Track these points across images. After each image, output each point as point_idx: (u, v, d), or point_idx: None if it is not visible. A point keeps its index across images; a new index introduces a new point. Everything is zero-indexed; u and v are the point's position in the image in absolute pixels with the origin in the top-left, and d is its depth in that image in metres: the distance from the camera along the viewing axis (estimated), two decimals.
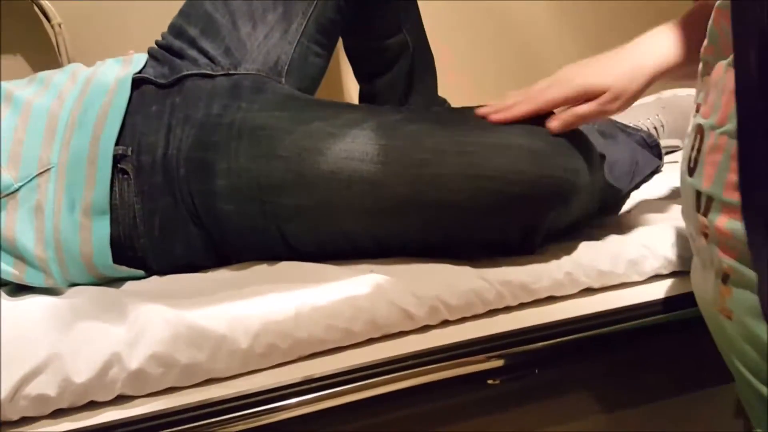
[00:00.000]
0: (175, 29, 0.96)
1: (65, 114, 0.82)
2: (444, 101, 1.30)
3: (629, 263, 0.75)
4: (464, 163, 0.70)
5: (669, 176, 0.95)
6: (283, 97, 0.83)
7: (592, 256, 0.75)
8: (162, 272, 0.83)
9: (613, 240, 0.77)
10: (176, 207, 0.80)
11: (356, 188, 0.73)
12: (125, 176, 0.81)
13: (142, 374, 0.61)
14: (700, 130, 0.59)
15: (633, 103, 0.75)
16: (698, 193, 0.58)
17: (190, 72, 0.88)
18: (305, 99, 0.84)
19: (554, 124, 0.72)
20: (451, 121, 0.74)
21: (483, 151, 0.70)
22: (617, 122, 1.06)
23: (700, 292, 0.63)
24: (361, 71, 1.26)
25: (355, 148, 0.73)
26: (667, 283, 0.75)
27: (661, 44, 0.76)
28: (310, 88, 1.02)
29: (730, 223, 0.54)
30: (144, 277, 0.82)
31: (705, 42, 0.62)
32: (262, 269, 0.79)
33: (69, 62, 1.43)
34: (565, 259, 0.74)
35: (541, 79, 0.76)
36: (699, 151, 0.59)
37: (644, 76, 0.75)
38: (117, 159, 0.81)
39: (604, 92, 0.73)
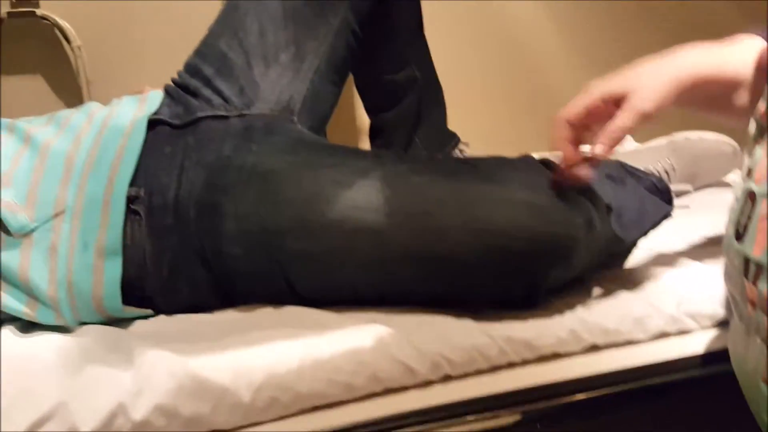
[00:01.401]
0: (190, 68, 0.98)
1: (82, 156, 0.83)
2: (454, 135, 1.32)
3: (635, 321, 0.75)
4: (467, 216, 0.71)
5: (679, 222, 0.95)
6: (293, 141, 0.84)
7: (598, 313, 0.75)
8: (169, 312, 0.84)
9: (619, 295, 0.77)
10: (184, 248, 0.81)
11: (361, 237, 0.74)
12: (137, 217, 0.82)
13: (146, 425, 0.62)
14: (752, 196, 0.59)
15: (665, 101, 0.69)
16: (747, 260, 0.58)
17: (204, 114, 0.90)
18: (315, 143, 0.85)
19: (598, 147, 0.70)
20: (456, 173, 0.75)
21: (485, 205, 0.71)
22: (627, 165, 1.06)
23: (739, 356, 0.62)
24: (370, 105, 1.28)
25: (361, 197, 0.74)
26: (674, 342, 0.75)
27: (697, 52, 0.73)
28: (321, 123, 1.03)
29: None
30: (151, 316, 0.83)
31: (763, 105, 0.61)
32: (266, 313, 0.80)
33: (87, 83, 1.45)
34: (569, 315, 0.74)
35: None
36: (750, 217, 0.58)
37: (669, 74, 0.70)
38: (130, 200, 0.82)
39: (625, 93, 0.70)
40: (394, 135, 1.27)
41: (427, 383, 0.70)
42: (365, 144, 1.27)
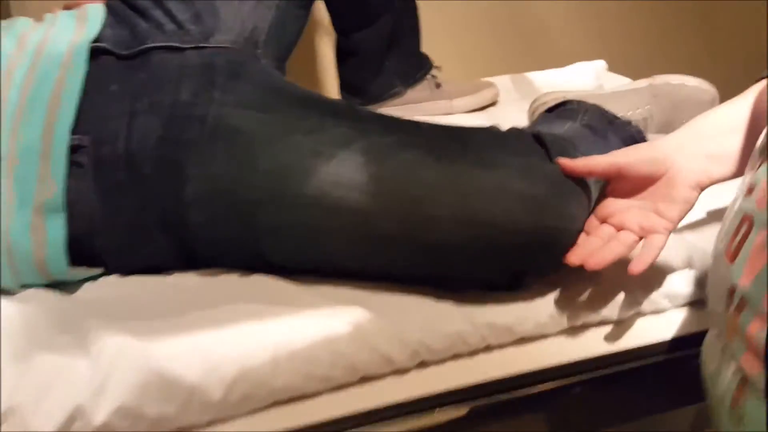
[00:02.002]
0: None
1: (14, 95, 0.72)
2: (426, 60, 1.23)
3: (619, 307, 0.73)
4: (459, 205, 0.65)
5: None
6: (262, 91, 0.75)
7: (579, 297, 0.73)
8: (122, 272, 0.77)
9: (599, 279, 0.75)
10: (141, 209, 0.73)
11: (342, 216, 0.68)
12: (82, 169, 0.73)
13: (108, 427, 0.57)
14: (749, 220, 0.55)
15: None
16: (733, 287, 0.55)
17: (156, 44, 0.78)
18: (286, 94, 0.76)
19: (636, 267, 0.66)
20: (448, 152, 0.68)
21: (480, 195, 0.65)
22: (607, 113, 1.01)
23: (711, 371, 0.60)
24: (340, 22, 1.17)
25: (343, 173, 0.67)
26: (647, 322, 0.75)
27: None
28: (287, 52, 0.93)
29: (762, 333, 0.51)
30: (102, 275, 0.76)
31: None
32: (231, 282, 0.74)
33: None
34: (551, 298, 0.72)
35: None
36: (744, 241, 0.55)
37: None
38: (73, 149, 0.73)
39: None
40: (365, 58, 1.17)
41: (403, 370, 0.67)
42: (325, 70, 1.16)
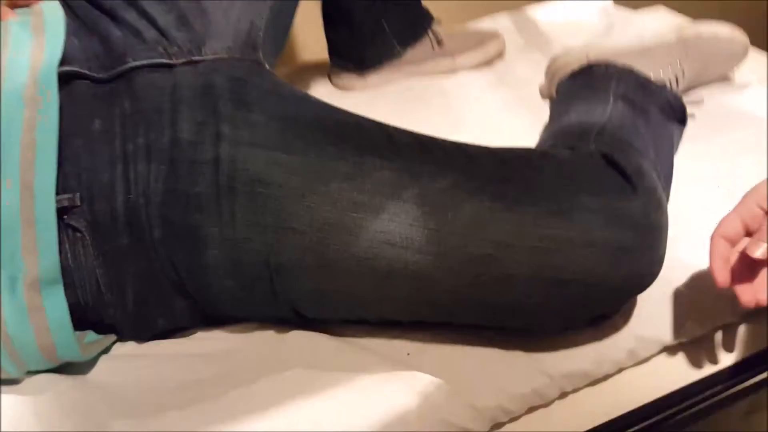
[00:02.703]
0: None
1: None
2: (426, 15, 1.10)
3: (688, 328, 0.67)
4: (537, 263, 0.56)
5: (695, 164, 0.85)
6: (279, 122, 0.63)
7: (653, 326, 0.66)
8: (137, 338, 0.68)
9: (666, 296, 0.68)
10: (154, 277, 0.63)
11: (397, 279, 0.59)
12: (78, 234, 0.62)
13: None
14: None
15: None
16: None
17: (139, 63, 0.65)
18: (308, 122, 0.64)
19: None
20: (516, 196, 0.58)
21: (560, 249, 0.56)
22: (641, 78, 0.92)
23: None
24: None
25: (396, 230, 0.57)
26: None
27: None
28: (282, 45, 0.80)
29: None
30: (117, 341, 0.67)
31: None
32: (268, 344, 0.66)
33: None
34: (625, 333, 0.65)
35: None
36: None
37: None
38: (62, 212, 0.61)
39: None
40: (358, 22, 1.03)
41: None
42: (303, 31, 0.98)
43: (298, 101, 0.67)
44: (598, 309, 0.61)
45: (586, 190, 0.59)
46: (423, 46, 1.09)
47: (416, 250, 0.57)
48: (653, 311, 0.67)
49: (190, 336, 0.68)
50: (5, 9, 0.72)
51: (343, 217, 0.58)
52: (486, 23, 1.27)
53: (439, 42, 1.10)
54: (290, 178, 0.59)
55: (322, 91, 1.13)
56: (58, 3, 0.71)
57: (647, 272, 0.59)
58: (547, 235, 0.56)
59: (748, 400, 0.70)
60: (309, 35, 0.83)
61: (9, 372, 0.62)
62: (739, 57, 1.01)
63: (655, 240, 0.59)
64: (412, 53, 1.09)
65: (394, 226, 0.57)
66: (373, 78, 1.10)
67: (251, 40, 0.70)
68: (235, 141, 0.61)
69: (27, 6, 0.73)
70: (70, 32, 0.67)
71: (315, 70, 1.17)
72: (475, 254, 0.57)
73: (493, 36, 1.15)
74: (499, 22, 1.26)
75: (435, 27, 1.09)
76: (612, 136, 0.72)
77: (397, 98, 1.09)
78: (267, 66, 0.71)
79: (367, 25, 1.04)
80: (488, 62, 1.14)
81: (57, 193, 0.60)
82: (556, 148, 0.68)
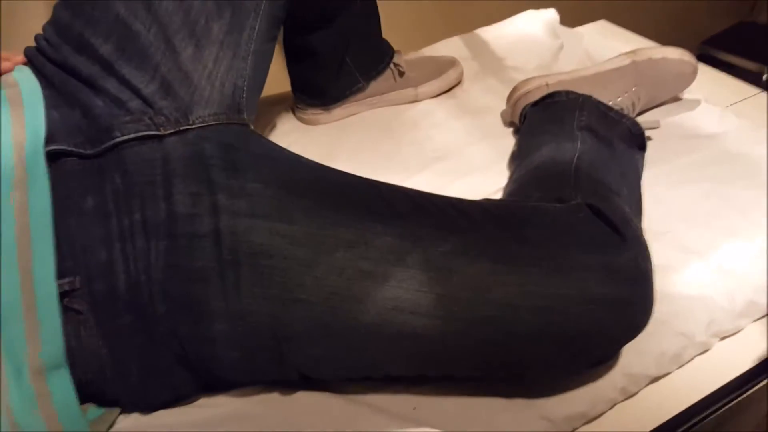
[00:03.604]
0: (71, 37, 0.69)
1: None
2: (388, 47, 1.11)
3: (672, 359, 0.71)
4: (540, 322, 0.59)
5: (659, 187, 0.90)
6: (276, 189, 0.63)
7: (639, 362, 0.70)
8: (140, 409, 0.67)
9: (650, 332, 0.72)
10: (158, 351, 0.63)
11: (405, 343, 0.60)
12: (80, 316, 0.61)
13: None
14: None
15: None
16: None
17: (125, 137, 0.64)
18: (305, 188, 0.64)
19: None
20: (516, 256, 0.61)
21: (561, 307, 0.59)
22: (601, 106, 0.96)
23: None
24: (293, 22, 1.02)
25: (404, 296, 0.59)
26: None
27: None
28: (259, 93, 0.81)
29: None
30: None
31: None
32: (275, 407, 0.66)
33: None
34: (616, 372, 0.69)
35: None
36: None
37: None
38: (62, 294, 0.60)
39: None
40: (323, 59, 1.04)
41: None
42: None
43: (291, 164, 0.67)
44: (597, 357, 0.64)
45: (580, 246, 0.62)
46: (386, 79, 1.11)
47: (424, 315, 0.59)
48: (638, 348, 0.70)
49: (194, 404, 0.68)
50: None
51: (350, 286, 0.59)
52: (440, 47, 1.29)
53: (401, 74, 1.12)
54: (295, 249, 0.60)
55: (288, 125, 1.13)
56: (31, 72, 0.69)
57: (642, 319, 0.63)
58: (549, 294, 0.59)
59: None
60: (272, 70, 0.83)
61: None
62: (689, 78, 1.06)
63: (647, 288, 0.63)
64: (375, 86, 1.11)
65: (402, 292, 0.59)
66: (338, 111, 1.11)
67: (236, 103, 0.70)
68: (234, 212, 0.61)
69: None
70: (49, 105, 0.65)
71: (279, 103, 1.17)
72: (481, 316, 0.59)
73: (451, 63, 1.17)
74: (453, 47, 1.29)
75: (396, 59, 1.11)
76: (588, 178, 0.75)
77: (363, 131, 1.10)
78: (251, 126, 0.72)
79: (331, 61, 1.05)
80: (448, 90, 1.17)
81: (57, 278, 0.59)
82: (543, 201, 0.70)
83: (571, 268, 0.60)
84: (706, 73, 1.19)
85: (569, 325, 0.59)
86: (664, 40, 1.19)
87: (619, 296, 0.60)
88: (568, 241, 0.62)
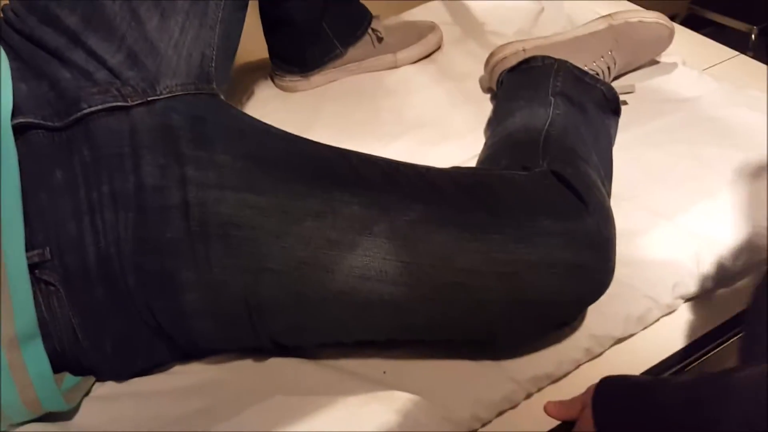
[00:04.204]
0: (37, 8, 0.69)
1: None
2: (365, 12, 1.11)
3: (638, 321, 0.73)
4: (505, 287, 0.60)
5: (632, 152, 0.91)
6: (244, 161, 0.64)
7: (604, 323, 0.72)
8: (116, 377, 0.69)
9: (619, 292, 0.73)
10: (132, 323, 0.64)
11: (373, 310, 0.62)
12: (51, 287, 0.62)
13: None
14: None
15: None
16: None
17: (93, 109, 0.64)
18: (273, 158, 0.65)
19: None
20: (481, 225, 0.62)
21: (525, 272, 0.60)
22: (576, 71, 0.96)
23: None
24: None
25: (370, 265, 0.60)
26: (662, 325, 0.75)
27: None
28: (231, 62, 0.81)
29: None
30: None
31: None
32: (248, 374, 0.68)
33: None
34: (580, 334, 0.70)
35: None
36: None
37: None
38: (33, 267, 0.61)
39: None
40: (299, 27, 1.04)
41: None
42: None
43: (261, 135, 0.68)
44: (560, 319, 0.66)
45: (544, 213, 0.63)
46: (364, 45, 1.10)
47: (391, 282, 0.60)
48: (604, 310, 0.72)
49: (169, 371, 0.69)
50: None
51: (318, 255, 0.60)
52: (420, 12, 1.28)
53: (380, 39, 1.11)
54: (263, 219, 0.61)
55: (266, 92, 1.13)
56: None
57: (603, 283, 0.64)
58: (513, 260, 0.60)
59: None
60: (247, 37, 0.83)
61: None
62: (666, 42, 1.06)
63: (609, 253, 0.64)
64: (353, 52, 1.10)
65: (368, 260, 0.60)
66: (317, 78, 1.11)
67: (204, 73, 0.70)
68: (202, 184, 0.62)
69: None
70: (16, 77, 0.65)
71: (257, 70, 1.16)
72: (447, 282, 0.60)
73: (430, 28, 1.17)
74: (433, 11, 1.28)
75: (375, 25, 1.10)
76: (558, 145, 0.76)
77: (342, 97, 1.10)
78: (221, 96, 0.72)
79: (308, 27, 1.04)
80: (428, 55, 1.16)
81: (26, 250, 0.60)
82: (510, 170, 0.71)
83: (534, 235, 0.61)
84: (687, 37, 1.18)
85: (532, 289, 0.61)
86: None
87: (581, 261, 0.62)
88: (532, 209, 0.64)
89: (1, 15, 0.73)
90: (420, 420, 0.63)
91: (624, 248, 0.74)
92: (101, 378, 0.68)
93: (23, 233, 0.60)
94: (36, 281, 0.61)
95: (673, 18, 1.09)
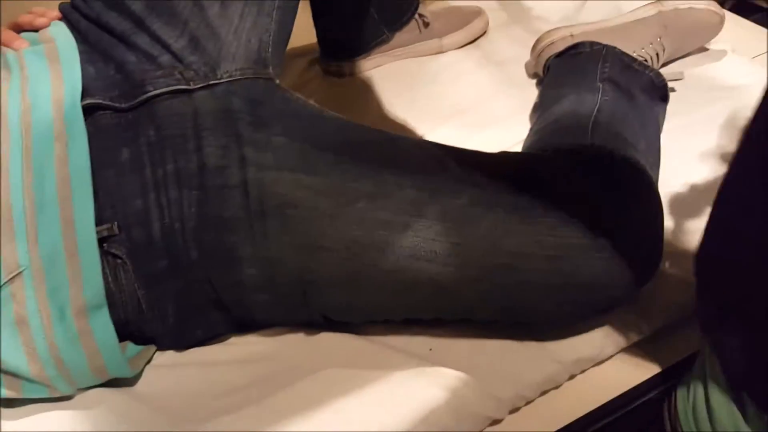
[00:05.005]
0: None
1: (17, 197, 0.61)
2: (416, 0, 1.11)
3: (683, 308, 0.74)
4: (552, 270, 0.62)
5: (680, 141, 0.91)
6: (300, 144, 0.66)
7: (652, 306, 0.73)
8: (176, 347, 0.72)
9: (663, 282, 0.74)
10: (193, 294, 0.67)
11: (423, 290, 0.64)
12: (118, 260, 0.66)
13: None
14: None
15: None
16: None
17: (157, 92, 0.67)
18: (328, 141, 0.67)
19: None
20: (527, 208, 0.63)
21: (573, 256, 0.62)
22: (624, 57, 0.96)
23: None
24: None
25: (421, 245, 0.62)
26: None
27: None
28: (285, 49, 0.83)
29: None
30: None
31: None
32: (300, 347, 0.71)
33: None
34: (624, 317, 0.72)
35: None
36: None
37: None
38: (102, 241, 0.65)
39: None
40: (348, 13, 1.06)
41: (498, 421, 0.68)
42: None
43: (315, 118, 0.70)
44: (608, 304, 0.67)
45: (592, 198, 0.64)
46: (410, 30, 1.12)
47: (440, 263, 0.62)
48: (650, 296, 0.73)
49: (225, 342, 0.72)
50: (12, 35, 0.73)
51: (370, 235, 0.62)
52: None
53: (426, 24, 1.13)
54: (317, 199, 0.63)
55: (315, 77, 1.15)
56: (66, 28, 0.72)
57: (651, 268, 0.66)
58: (560, 243, 0.62)
59: None
60: (297, 23, 0.85)
61: (63, 391, 0.66)
62: (716, 29, 1.06)
63: (656, 239, 0.65)
64: (400, 37, 1.12)
65: (419, 241, 0.62)
66: (363, 63, 1.13)
67: (261, 58, 0.72)
68: (261, 164, 0.65)
69: (33, 31, 0.74)
70: (84, 60, 0.69)
71: (305, 55, 1.19)
72: (495, 264, 0.62)
73: (476, 13, 1.18)
74: None
75: (421, 10, 1.11)
76: (606, 131, 0.77)
77: (388, 82, 1.12)
78: (276, 80, 0.74)
79: (356, 13, 1.06)
80: (473, 41, 1.17)
81: (96, 224, 0.63)
82: (559, 153, 0.72)
83: (582, 219, 0.63)
84: (736, 23, 1.17)
85: (580, 272, 0.62)
86: None
87: (629, 245, 0.63)
88: (579, 193, 0.65)
89: (69, 1, 0.76)
90: (465, 396, 0.65)
91: (671, 235, 0.74)
92: (161, 348, 0.72)
93: (92, 208, 0.63)
94: (104, 254, 0.65)
95: (722, 3, 1.08)
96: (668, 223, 0.72)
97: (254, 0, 0.72)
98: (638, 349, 0.73)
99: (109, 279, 0.66)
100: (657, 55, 1.03)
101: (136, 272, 0.66)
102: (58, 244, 0.62)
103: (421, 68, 1.14)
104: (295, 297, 0.66)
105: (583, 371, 0.70)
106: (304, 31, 1.16)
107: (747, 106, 0.96)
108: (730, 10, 1.33)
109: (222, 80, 0.69)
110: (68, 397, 0.67)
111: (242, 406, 0.65)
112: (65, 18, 0.74)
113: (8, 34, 0.72)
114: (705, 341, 0.59)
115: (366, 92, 1.11)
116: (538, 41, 1.06)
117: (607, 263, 0.62)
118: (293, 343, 0.71)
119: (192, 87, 0.68)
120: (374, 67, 1.14)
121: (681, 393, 0.62)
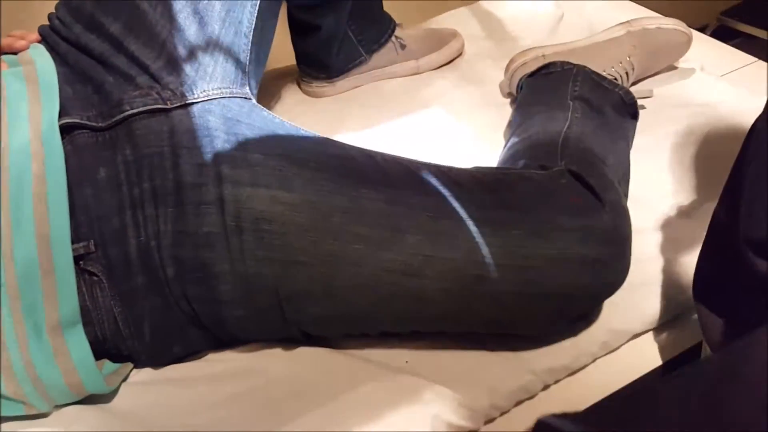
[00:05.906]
0: (82, 16, 0.73)
1: None
2: (389, 20, 1.14)
3: (654, 317, 0.75)
4: (523, 280, 0.63)
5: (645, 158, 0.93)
6: (276, 160, 0.67)
7: (623, 318, 0.74)
8: (153, 364, 0.73)
9: (634, 291, 0.76)
10: (170, 311, 0.68)
11: (398, 302, 0.65)
12: (94, 278, 0.66)
13: None
14: None
15: None
16: None
17: (134, 111, 0.68)
18: (302, 157, 0.68)
19: None
20: (501, 220, 0.65)
21: (543, 266, 0.63)
22: (595, 76, 0.99)
23: None
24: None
25: (396, 259, 0.64)
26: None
27: None
28: (265, 58, 0.85)
29: None
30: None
31: None
32: (278, 361, 0.71)
33: None
34: (596, 327, 0.73)
35: None
36: None
37: None
38: (78, 259, 0.65)
39: None
40: (326, 34, 1.07)
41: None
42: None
43: (291, 136, 0.71)
44: (577, 314, 0.68)
45: (561, 210, 0.66)
46: (387, 52, 1.14)
47: (414, 275, 0.63)
48: (622, 304, 0.74)
49: (203, 359, 0.73)
50: None
51: (346, 249, 0.64)
52: (443, 19, 1.32)
53: (403, 46, 1.15)
54: (294, 215, 0.64)
55: (294, 97, 1.17)
56: (45, 50, 0.73)
57: (619, 278, 0.67)
58: (530, 254, 0.63)
59: None
60: (276, 44, 0.87)
61: (39, 408, 0.66)
62: (684, 48, 1.09)
63: (624, 249, 0.67)
64: (377, 59, 1.14)
65: (394, 255, 0.63)
66: (342, 84, 1.15)
67: (238, 78, 0.74)
68: (237, 181, 0.66)
69: (12, 54, 0.75)
70: (63, 80, 0.70)
71: (285, 76, 1.21)
72: (468, 275, 0.63)
73: (452, 35, 1.20)
74: (456, 17, 1.31)
75: (398, 32, 1.14)
76: (576, 147, 0.79)
77: (366, 102, 1.13)
78: (254, 99, 0.76)
79: (334, 35, 1.08)
80: (450, 62, 1.20)
81: (72, 242, 0.64)
82: (529, 169, 0.74)
83: (551, 231, 0.64)
84: (704, 42, 1.20)
85: (549, 283, 0.63)
86: (682, 11, 1.21)
87: (596, 257, 0.64)
88: (549, 205, 0.66)
89: (48, 23, 0.77)
90: (441, 407, 0.65)
91: (640, 246, 0.76)
92: (139, 365, 0.72)
93: (68, 226, 0.64)
94: (80, 272, 0.65)
95: (703, 29, 1.11)
96: (635, 233, 0.74)
97: (232, 21, 0.74)
98: (613, 357, 0.74)
99: (86, 297, 0.66)
100: (627, 73, 1.05)
101: (112, 290, 0.66)
102: (33, 261, 0.63)
103: (399, 88, 1.16)
104: (272, 312, 0.66)
105: (557, 381, 0.72)
106: (283, 52, 1.18)
107: (715, 123, 1.00)
108: (712, 35, 1.36)
109: (199, 99, 0.70)
110: (44, 414, 0.67)
111: (219, 423, 0.66)
112: (44, 40, 0.75)
113: None
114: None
115: (345, 111, 1.13)
116: (511, 62, 1.08)
117: (576, 274, 0.64)
118: (271, 359, 0.72)
119: (169, 106, 0.69)
120: (352, 88, 1.16)
121: None
